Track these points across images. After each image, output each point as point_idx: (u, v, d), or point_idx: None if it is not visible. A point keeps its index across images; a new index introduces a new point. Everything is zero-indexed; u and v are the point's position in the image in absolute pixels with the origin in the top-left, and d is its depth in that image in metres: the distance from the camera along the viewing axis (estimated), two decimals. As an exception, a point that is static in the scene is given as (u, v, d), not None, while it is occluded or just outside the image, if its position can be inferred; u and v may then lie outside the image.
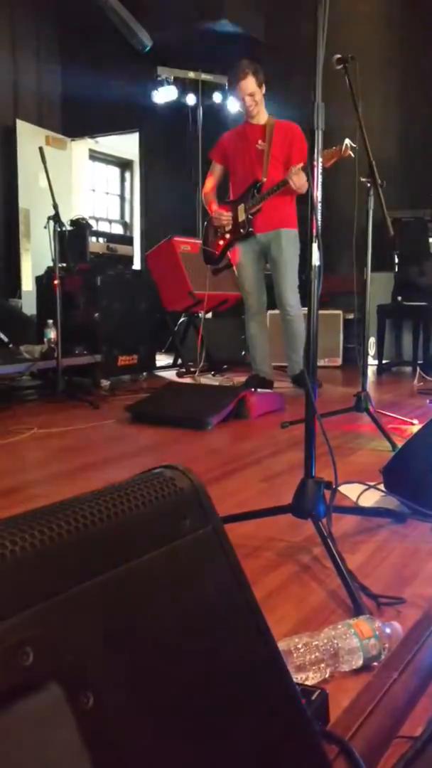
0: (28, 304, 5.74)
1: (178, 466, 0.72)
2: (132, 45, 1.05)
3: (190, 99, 6.34)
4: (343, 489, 2.06)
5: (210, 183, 4.39)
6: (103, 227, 8.02)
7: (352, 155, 2.91)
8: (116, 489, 0.66)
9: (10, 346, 4.44)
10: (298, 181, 3.82)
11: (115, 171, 8.48)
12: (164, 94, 6.29)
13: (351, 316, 5.74)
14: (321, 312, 5.55)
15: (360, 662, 1.11)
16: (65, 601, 0.53)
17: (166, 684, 0.60)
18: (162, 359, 5.79)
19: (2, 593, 0.51)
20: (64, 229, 4.16)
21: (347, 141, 2.97)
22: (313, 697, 0.88)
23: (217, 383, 4.78)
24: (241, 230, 4.17)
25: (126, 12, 1.06)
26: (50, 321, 4.33)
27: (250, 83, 4.01)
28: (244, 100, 4.07)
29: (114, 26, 1.12)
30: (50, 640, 0.51)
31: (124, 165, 8.43)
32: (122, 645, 0.56)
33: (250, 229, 4.14)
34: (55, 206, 4.02)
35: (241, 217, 4.16)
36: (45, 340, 4.40)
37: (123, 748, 0.53)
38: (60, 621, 0.52)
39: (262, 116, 4.15)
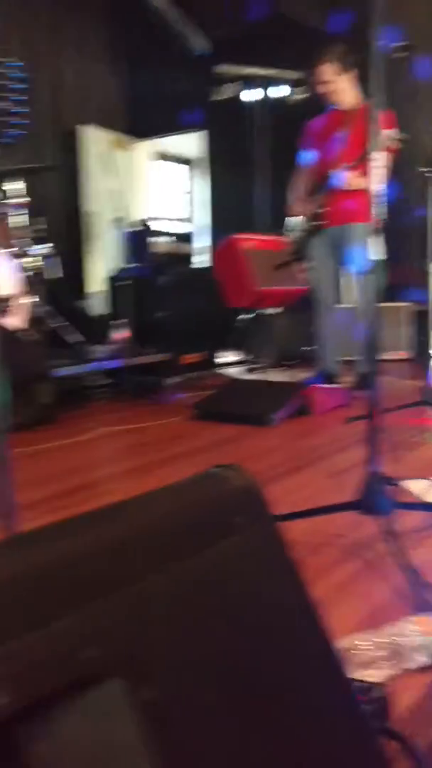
0: (97, 305, 5.87)
1: (232, 466, 0.74)
2: (188, 49, 1.07)
3: (253, 95, 6.34)
4: (409, 484, 2.03)
5: (299, 173, 4.35)
6: (167, 226, 8.11)
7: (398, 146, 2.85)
8: (171, 489, 0.69)
9: (81, 346, 4.56)
10: (353, 177, 3.78)
11: (179, 170, 8.56)
12: (227, 91, 6.31)
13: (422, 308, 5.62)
14: (388, 304, 5.43)
15: (424, 660, 1.10)
16: (126, 596, 0.56)
17: (220, 679, 0.62)
18: (227, 356, 5.82)
19: (64, 588, 0.54)
20: (129, 230, 4.24)
21: (392, 132, 2.90)
22: (373, 694, 0.88)
23: (281, 379, 4.77)
24: (315, 223, 4.14)
25: (177, 17, 1.08)
26: (118, 321, 4.43)
27: (325, 70, 3.95)
28: (319, 86, 4.03)
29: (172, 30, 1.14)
30: (112, 635, 0.54)
31: (188, 164, 8.50)
32: (180, 640, 0.58)
33: (323, 222, 4.10)
34: (121, 209, 4.10)
35: (315, 209, 4.13)
36: (114, 339, 4.50)
37: (183, 742, 0.55)
38: (121, 616, 0.55)
39: (347, 102, 4.04)
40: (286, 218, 4.39)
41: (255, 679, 0.66)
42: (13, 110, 3.84)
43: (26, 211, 4.16)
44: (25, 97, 3.96)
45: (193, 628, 0.60)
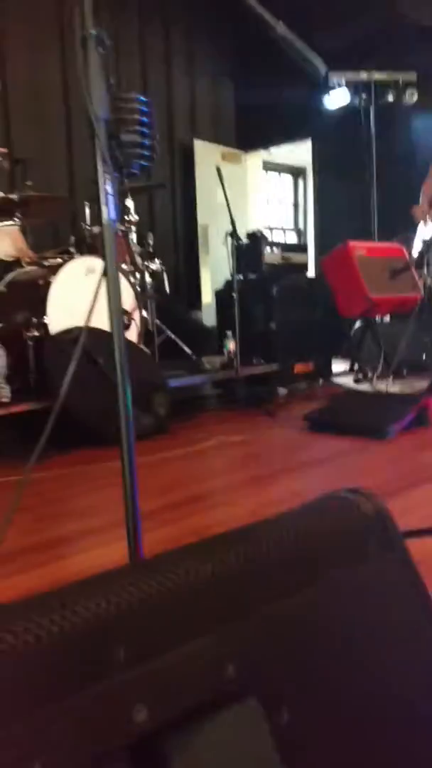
0: (208, 316, 5.97)
1: (361, 490, 0.74)
2: (308, 74, 1.08)
3: (362, 101, 6.25)
4: None
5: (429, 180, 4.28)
6: (277, 236, 8.13)
7: None
8: (302, 513, 0.69)
9: (193, 357, 4.66)
10: None
11: (288, 179, 8.57)
12: (336, 99, 6.26)
13: None
14: None
15: None
16: (259, 619, 0.57)
17: (349, 705, 0.62)
18: (338, 366, 5.75)
19: (201, 609, 0.56)
20: (241, 242, 4.30)
21: None
22: None
23: (396, 389, 4.65)
24: None
25: (300, 42, 1.09)
26: (229, 332, 4.48)
27: None
28: None
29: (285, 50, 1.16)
30: (249, 656, 0.55)
31: (297, 173, 8.49)
32: (314, 664, 0.59)
33: None
34: (233, 222, 4.17)
35: None
36: (225, 350, 4.56)
37: (315, 763, 0.56)
38: (256, 638, 0.56)
39: None
40: (413, 224, 4.31)
41: (383, 704, 0.65)
42: (141, 141, 4.00)
43: (134, 228, 4.32)
44: (151, 130, 4.13)
45: (324, 653, 0.61)
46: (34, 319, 3.48)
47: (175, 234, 6.73)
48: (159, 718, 0.50)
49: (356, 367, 5.56)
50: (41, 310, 3.47)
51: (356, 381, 5.15)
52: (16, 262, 3.90)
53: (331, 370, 5.39)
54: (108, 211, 1.03)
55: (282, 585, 0.60)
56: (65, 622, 0.49)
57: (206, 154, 6.75)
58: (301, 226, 8.65)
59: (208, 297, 6.58)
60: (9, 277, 3.72)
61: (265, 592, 0.58)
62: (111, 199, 1.03)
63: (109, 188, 1.03)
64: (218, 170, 4.19)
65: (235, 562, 0.58)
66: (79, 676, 0.49)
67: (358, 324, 5.63)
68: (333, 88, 6.26)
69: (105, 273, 1.04)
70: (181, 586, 0.56)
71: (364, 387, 4.90)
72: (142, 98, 4.20)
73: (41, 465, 2.90)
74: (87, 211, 4.17)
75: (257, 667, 0.56)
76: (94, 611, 0.51)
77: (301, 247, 6.11)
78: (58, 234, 5.28)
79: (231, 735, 0.53)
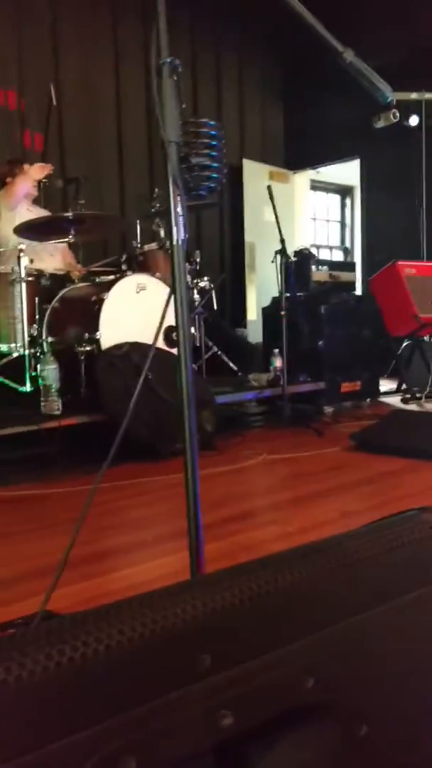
0: (254, 333, 6.00)
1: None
2: (375, 98, 1.10)
3: (413, 120, 6.24)
4: None
5: None
6: (324, 254, 8.14)
7: None
8: (375, 529, 0.70)
9: (239, 374, 4.68)
10: None
11: (336, 198, 8.58)
12: (385, 119, 6.26)
13: None
14: None
15: None
16: (340, 631, 0.58)
17: (426, 720, 0.63)
18: (386, 385, 5.70)
19: (282, 621, 0.57)
20: (289, 261, 4.32)
21: None
22: None
23: (445, 410, 4.59)
24: None
25: (367, 68, 1.11)
26: (276, 350, 4.50)
27: None
28: None
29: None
30: (328, 668, 0.56)
31: (345, 192, 8.50)
32: (394, 680, 0.59)
33: None
34: (282, 240, 4.20)
35: None
36: (271, 368, 4.57)
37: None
38: (337, 650, 0.57)
39: None
40: None
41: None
42: (210, 164, 4.08)
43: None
44: (219, 153, 4.22)
45: (404, 669, 0.61)
46: (86, 335, 3.55)
47: (222, 252, 6.80)
48: (243, 724, 0.52)
49: (404, 386, 5.51)
50: (93, 326, 3.54)
51: (404, 401, 5.10)
52: (67, 278, 4.00)
53: (378, 390, 5.35)
54: (178, 232, 1.07)
55: (364, 599, 0.61)
56: (156, 626, 0.51)
57: (254, 173, 6.81)
58: (348, 244, 8.64)
59: (253, 314, 6.62)
60: (62, 293, 3.80)
61: (348, 606, 0.59)
62: (181, 219, 1.07)
63: (180, 209, 1.06)
64: (269, 189, 4.23)
65: (319, 574, 0.59)
66: (169, 680, 0.50)
67: (406, 343, 5.59)
68: (382, 108, 6.28)
69: (173, 292, 1.07)
70: (263, 596, 0.57)
71: (413, 407, 4.85)
72: (212, 123, 4.30)
73: (92, 477, 2.96)
74: (138, 228, 4.25)
75: (336, 680, 0.57)
76: (181, 618, 0.53)
77: (349, 265, 6.10)
78: (108, 251, 5.38)
79: (311, 746, 0.54)
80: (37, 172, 4.10)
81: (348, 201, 8.57)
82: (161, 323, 1.14)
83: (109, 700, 0.47)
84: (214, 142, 4.21)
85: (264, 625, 0.56)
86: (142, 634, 0.51)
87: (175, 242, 1.07)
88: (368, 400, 5.11)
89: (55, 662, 0.47)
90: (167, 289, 3.90)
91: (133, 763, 0.46)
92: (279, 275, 4.31)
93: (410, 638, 0.63)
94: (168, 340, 3.80)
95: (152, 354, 1.24)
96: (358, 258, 7.90)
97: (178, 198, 1.06)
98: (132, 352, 3.43)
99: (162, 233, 4.23)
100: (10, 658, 0.45)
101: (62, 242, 3.88)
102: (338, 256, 8.46)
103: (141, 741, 0.47)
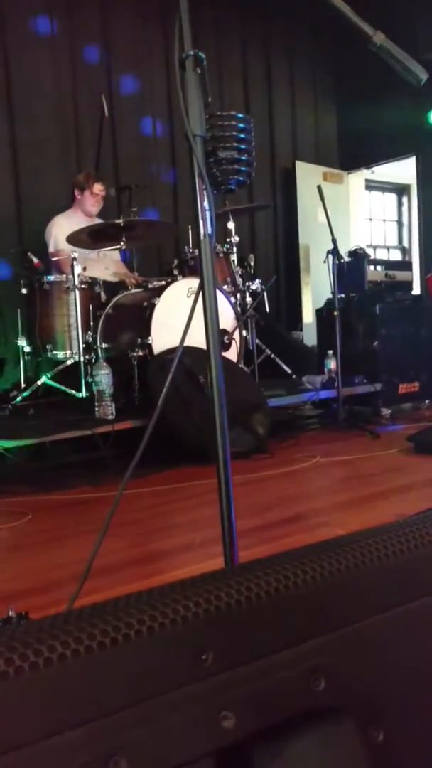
0: (309, 336, 5.93)
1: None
2: (407, 82, 1.06)
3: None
4: None
5: None
6: (381, 254, 7.99)
7: None
8: (407, 524, 0.66)
9: (293, 377, 4.63)
10: None
11: (392, 197, 8.41)
12: (441, 113, 6.11)
13: None
14: None
15: None
16: (356, 632, 0.55)
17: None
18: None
19: (299, 617, 0.55)
20: (342, 261, 4.25)
21: None
22: None
23: None
24: None
25: (398, 50, 1.07)
26: (330, 351, 4.43)
27: None
28: None
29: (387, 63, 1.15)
30: (342, 670, 0.53)
31: (401, 190, 8.32)
32: (414, 683, 0.56)
33: None
34: (334, 240, 4.13)
35: None
36: (325, 370, 4.51)
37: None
38: (352, 652, 0.54)
39: None
40: None
41: None
42: (238, 158, 4.07)
43: (235, 249, 4.38)
44: (248, 147, 4.20)
45: (422, 673, 0.57)
46: (139, 340, 3.58)
47: (277, 254, 6.75)
48: (246, 727, 0.49)
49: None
50: (146, 331, 3.57)
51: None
52: (122, 286, 4.05)
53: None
54: (205, 226, 1.05)
55: (382, 599, 0.57)
56: (154, 623, 0.49)
57: (308, 175, 6.75)
58: (405, 243, 8.46)
59: (309, 317, 6.54)
60: (115, 299, 3.85)
61: (364, 605, 0.56)
62: (208, 214, 1.05)
63: (206, 204, 1.05)
64: (319, 188, 4.18)
65: (335, 571, 0.56)
66: (167, 679, 0.48)
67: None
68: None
69: (201, 287, 1.05)
70: (272, 593, 0.54)
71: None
72: (240, 116, 4.27)
73: (146, 479, 2.98)
74: (190, 233, 4.27)
75: (351, 682, 0.54)
76: (182, 614, 0.51)
77: (406, 265, 5.95)
78: (163, 258, 5.42)
79: (322, 751, 0.51)
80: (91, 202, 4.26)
81: (405, 200, 8.39)
82: (189, 321, 1.13)
83: (101, 698, 0.45)
84: (242, 135, 4.17)
85: (272, 623, 0.53)
86: (139, 632, 0.49)
87: (201, 237, 1.05)
88: (427, 401, 4.97)
89: (44, 658, 0.45)
90: (218, 292, 3.89)
91: (124, 764, 0.44)
92: (331, 275, 4.24)
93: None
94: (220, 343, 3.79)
95: (179, 355, 1.22)
96: (415, 257, 7.72)
97: (204, 192, 1.04)
98: (183, 355, 3.43)
99: (213, 237, 4.23)
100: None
101: (114, 249, 3.92)
102: (396, 256, 8.28)
103: (134, 742, 0.45)
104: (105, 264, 4.26)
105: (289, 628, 0.54)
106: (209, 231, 1.05)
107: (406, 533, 0.63)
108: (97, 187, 4.24)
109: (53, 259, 4.09)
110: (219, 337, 1.11)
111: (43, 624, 0.49)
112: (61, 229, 4.06)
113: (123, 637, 0.48)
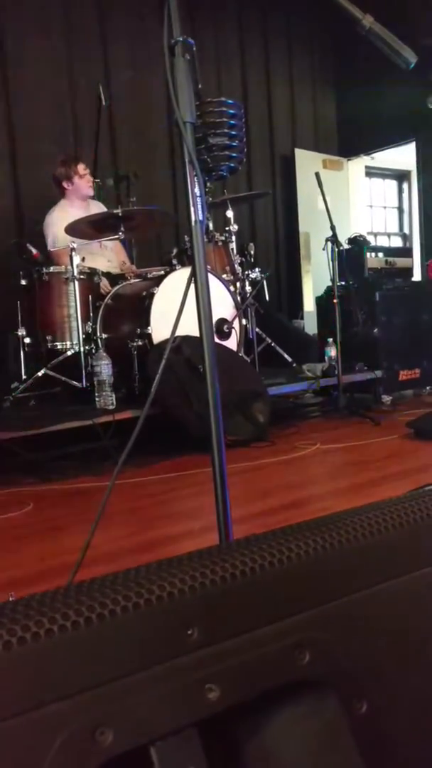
0: (310, 324, 5.93)
1: (451, 484, 0.71)
2: (398, 64, 1.06)
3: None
4: None
5: None
6: (382, 241, 7.97)
7: None
8: (392, 503, 0.67)
9: (294, 365, 4.63)
10: None
11: (392, 184, 8.38)
12: (441, 98, 6.07)
13: None
14: None
15: None
16: (340, 607, 0.56)
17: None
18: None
19: (283, 592, 0.56)
20: (341, 248, 4.24)
21: None
22: None
23: None
24: None
25: (387, 33, 1.07)
26: (330, 339, 4.43)
27: None
28: None
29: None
30: (326, 644, 0.54)
31: (401, 177, 8.29)
32: (398, 658, 0.57)
33: None
34: (333, 227, 4.13)
35: None
36: (326, 358, 4.51)
37: (393, 759, 0.54)
38: (336, 626, 0.55)
39: None
40: None
41: None
42: (229, 144, 4.06)
43: (234, 238, 4.37)
44: (239, 133, 4.18)
45: (409, 648, 0.58)
46: (138, 330, 3.59)
47: (277, 243, 6.74)
48: (230, 700, 0.50)
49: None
50: (145, 321, 3.57)
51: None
52: (120, 275, 4.05)
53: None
54: (196, 213, 1.05)
55: (367, 575, 0.58)
56: (140, 600, 0.51)
57: (307, 162, 6.73)
58: (406, 230, 8.43)
59: (310, 305, 6.54)
60: (114, 289, 3.85)
61: (349, 581, 0.57)
62: (199, 200, 1.05)
63: (197, 190, 1.05)
64: (317, 175, 4.17)
65: (319, 548, 0.57)
66: (152, 652, 0.50)
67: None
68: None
69: (193, 273, 1.06)
70: (257, 570, 0.56)
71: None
72: (230, 102, 4.25)
73: (149, 469, 2.99)
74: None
75: (335, 656, 0.55)
76: (168, 591, 0.52)
77: (406, 251, 5.94)
78: (163, 248, 5.41)
79: (305, 722, 0.52)
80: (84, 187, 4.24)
81: (405, 186, 8.35)
82: (181, 309, 1.13)
83: (88, 671, 0.47)
84: (233, 122, 4.15)
85: (257, 598, 0.54)
86: (125, 608, 0.50)
87: (192, 223, 1.06)
88: (428, 388, 4.98)
89: (32, 633, 0.46)
90: (217, 281, 3.89)
91: (110, 736, 0.45)
92: (330, 263, 4.24)
93: (419, 617, 0.61)
94: (219, 332, 3.80)
95: (171, 343, 1.23)
96: (416, 243, 7.70)
97: (195, 179, 1.05)
98: (183, 345, 3.44)
99: (210, 226, 4.22)
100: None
101: (112, 239, 3.92)
102: (397, 243, 8.27)
103: (119, 713, 0.46)
104: (107, 257, 4.26)
105: (273, 604, 0.55)
106: (200, 217, 1.05)
107: (391, 511, 0.64)
108: (81, 167, 4.23)
109: (52, 249, 4.10)
110: (213, 323, 1.12)
111: (31, 600, 0.50)
112: (60, 225, 4.06)
113: (109, 613, 0.49)
